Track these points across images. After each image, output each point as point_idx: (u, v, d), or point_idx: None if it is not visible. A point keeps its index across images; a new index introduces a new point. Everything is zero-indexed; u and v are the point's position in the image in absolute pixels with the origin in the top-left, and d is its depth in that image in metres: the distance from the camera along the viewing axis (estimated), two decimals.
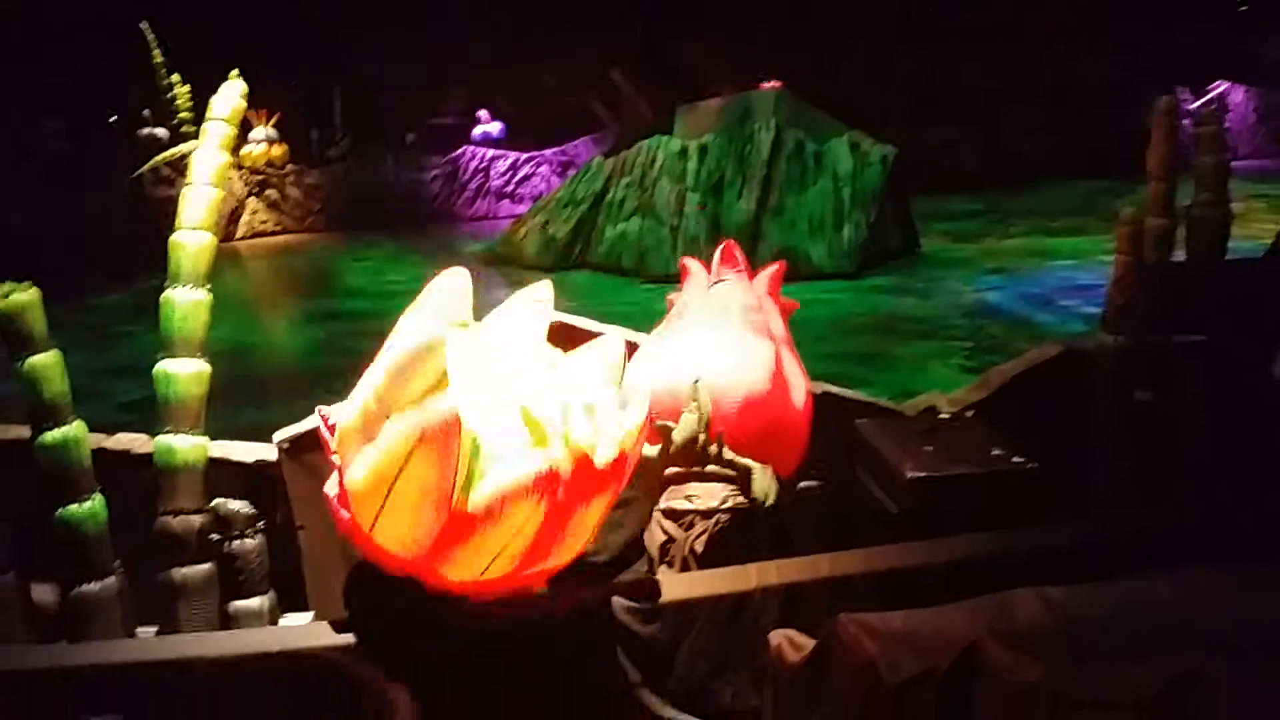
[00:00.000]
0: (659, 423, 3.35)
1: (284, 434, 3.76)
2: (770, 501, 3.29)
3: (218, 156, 3.61)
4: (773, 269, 3.81)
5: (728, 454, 3.34)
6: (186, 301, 3.54)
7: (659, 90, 19.38)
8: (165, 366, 3.46)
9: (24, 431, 3.26)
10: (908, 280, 11.83)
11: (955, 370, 8.26)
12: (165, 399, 3.44)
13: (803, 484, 3.66)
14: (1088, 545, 3.22)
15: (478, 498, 2.56)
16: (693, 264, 3.80)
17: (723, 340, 3.48)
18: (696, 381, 3.33)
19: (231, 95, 3.70)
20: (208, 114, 3.70)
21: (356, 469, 2.65)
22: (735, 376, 3.41)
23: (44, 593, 3.34)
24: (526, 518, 2.60)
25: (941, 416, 4.02)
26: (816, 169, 12.61)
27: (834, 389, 4.12)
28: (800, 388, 3.59)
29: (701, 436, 3.33)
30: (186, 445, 3.41)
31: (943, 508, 3.34)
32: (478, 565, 2.70)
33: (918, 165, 14.24)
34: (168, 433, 3.42)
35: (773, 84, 14.77)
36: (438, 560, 2.68)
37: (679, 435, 3.35)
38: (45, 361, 3.11)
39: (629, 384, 2.97)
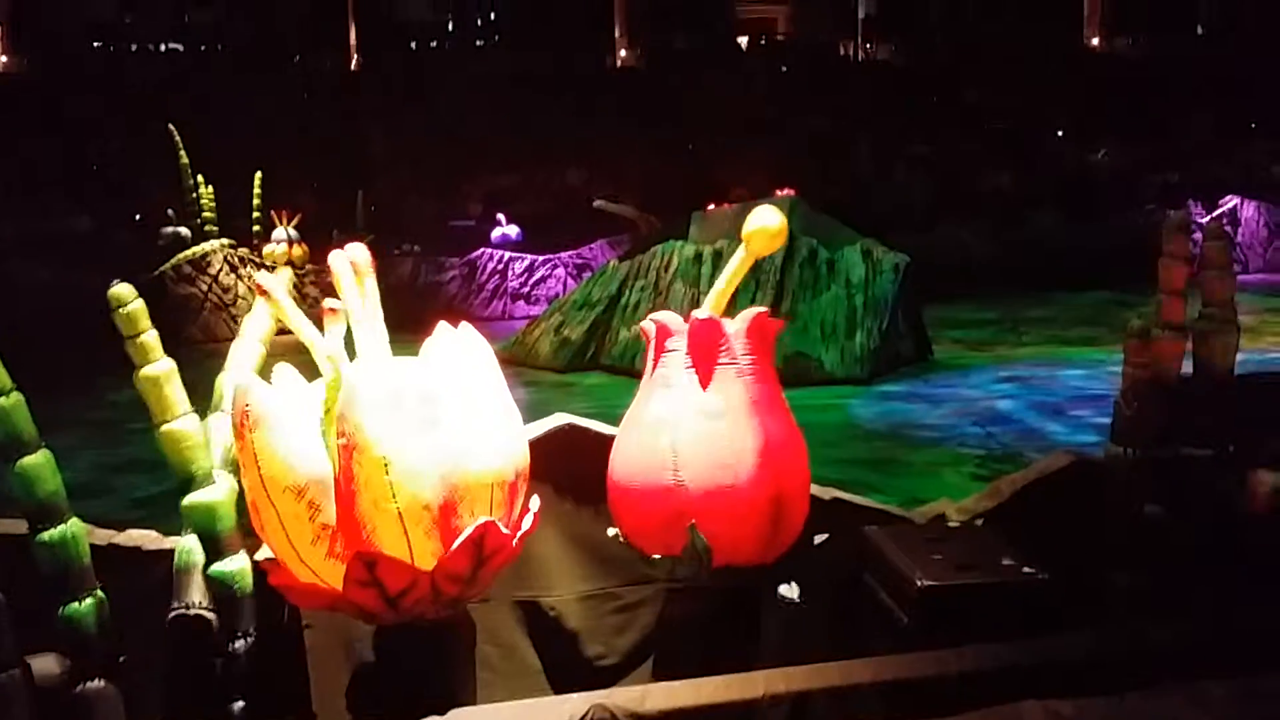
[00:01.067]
0: (657, 557, 3.38)
1: None
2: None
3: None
4: (754, 312, 3.57)
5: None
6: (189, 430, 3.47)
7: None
8: (188, 501, 3.45)
9: (24, 525, 3.27)
10: (919, 387, 11.84)
11: (966, 478, 8.23)
12: (198, 529, 3.43)
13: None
14: (1098, 658, 3.18)
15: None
16: (672, 320, 3.57)
17: (701, 426, 3.38)
18: (692, 525, 3.32)
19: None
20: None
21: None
22: (713, 469, 3.35)
23: (48, 664, 3.31)
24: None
25: (951, 525, 4.01)
26: (829, 276, 12.71)
27: (843, 495, 4.12)
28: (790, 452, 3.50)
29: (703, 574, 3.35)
30: (228, 569, 3.41)
31: (953, 617, 3.32)
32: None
33: (930, 272, 14.34)
34: (213, 561, 3.42)
35: (786, 191, 14.99)
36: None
37: (681, 573, 3.38)
38: (36, 462, 3.11)
39: None
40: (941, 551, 3.53)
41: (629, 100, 28.14)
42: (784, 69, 30.40)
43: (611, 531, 3.63)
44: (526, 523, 3.25)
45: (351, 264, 3.21)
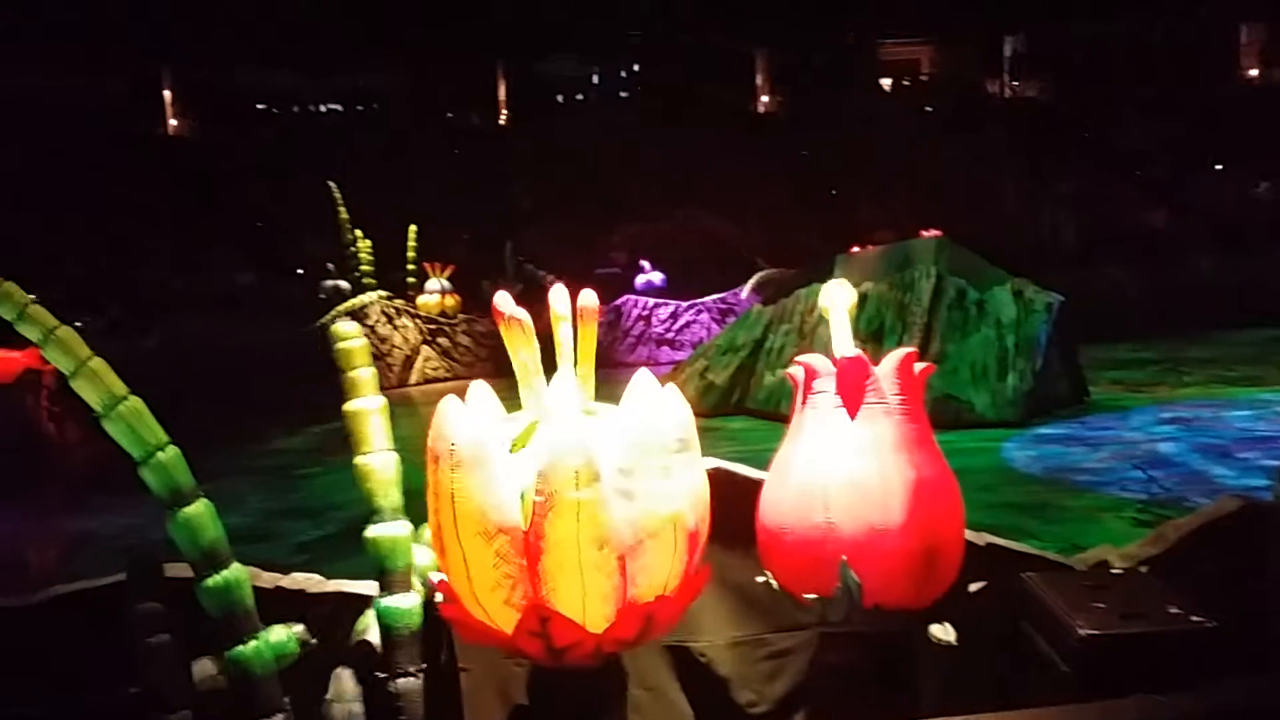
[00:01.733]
0: (809, 596, 3.37)
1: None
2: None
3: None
4: (902, 353, 3.52)
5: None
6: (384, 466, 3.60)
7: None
8: (372, 532, 3.57)
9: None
10: (1076, 430, 11.50)
11: (1127, 524, 7.94)
12: (377, 561, 3.55)
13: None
14: (1268, 707, 3.04)
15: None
16: (819, 363, 3.56)
17: (852, 465, 3.37)
18: (844, 562, 3.30)
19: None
20: None
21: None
22: (864, 509, 3.32)
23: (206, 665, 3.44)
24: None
25: (1114, 572, 3.89)
26: (979, 316, 12.48)
27: (999, 540, 4.03)
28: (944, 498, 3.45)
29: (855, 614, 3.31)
30: (398, 605, 3.53)
31: (1116, 667, 3.21)
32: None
33: (1084, 311, 13.96)
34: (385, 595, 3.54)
35: (932, 232, 14.80)
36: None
37: (832, 616, 3.35)
38: (196, 512, 3.25)
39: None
40: (1103, 599, 3.42)
41: (771, 145, 28.21)
42: (928, 109, 30.09)
43: (760, 577, 3.62)
44: (697, 584, 3.26)
45: (577, 309, 3.25)
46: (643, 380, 3.21)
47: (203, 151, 26.77)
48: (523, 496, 3.02)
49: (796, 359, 3.59)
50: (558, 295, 3.26)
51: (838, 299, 3.58)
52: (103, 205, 22.23)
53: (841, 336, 3.54)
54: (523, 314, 3.23)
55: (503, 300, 3.24)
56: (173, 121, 28.51)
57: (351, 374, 3.54)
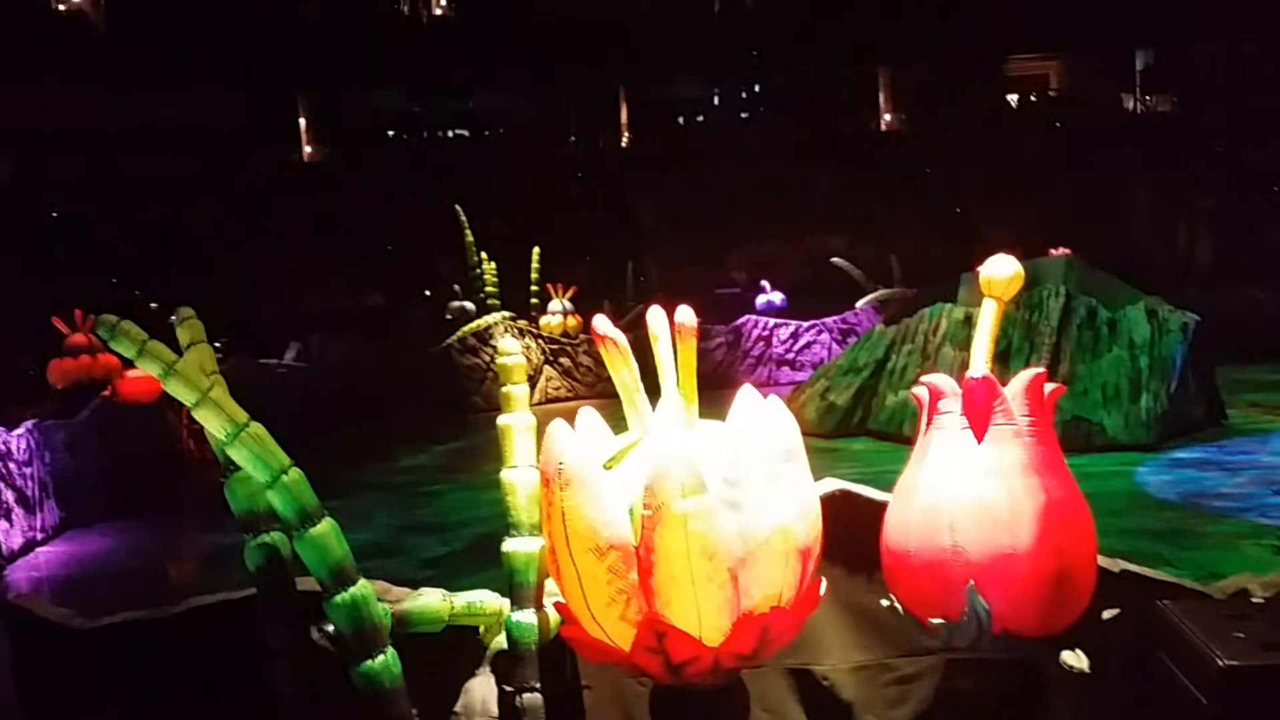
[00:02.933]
0: (935, 620, 3.31)
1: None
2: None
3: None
4: (1030, 374, 3.46)
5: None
6: (527, 482, 3.57)
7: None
8: (508, 546, 3.58)
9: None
10: (1213, 453, 11.11)
11: (1268, 551, 7.64)
12: (509, 575, 3.57)
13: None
14: None
15: None
16: (944, 383, 3.52)
17: (979, 487, 3.32)
18: (971, 586, 3.24)
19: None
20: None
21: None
22: (991, 532, 3.26)
23: None
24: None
25: (1255, 601, 3.74)
26: (1110, 336, 12.13)
27: (1133, 567, 3.91)
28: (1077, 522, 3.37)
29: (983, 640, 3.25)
30: (528, 621, 3.55)
31: (1259, 700, 3.09)
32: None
33: (1222, 332, 13.48)
34: (515, 610, 3.57)
35: (1061, 251, 14.45)
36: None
37: (959, 641, 3.29)
38: (322, 531, 3.31)
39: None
40: (1244, 629, 3.30)
41: (894, 163, 27.92)
42: (1056, 125, 29.43)
43: (885, 601, 3.58)
44: (812, 598, 3.25)
45: (675, 326, 3.25)
46: (747, 394, 3.23)
47: (335, 177, 27.55)
48: (631, 512, 3.05)
49: (921, 379, 3.56)
50: (654, 314, 3.29)
51: (988, 307, 3.49)
52: (239, 229, 23.05)
53: (980, 350, 3.48)
54: (619, 334, 3.26)
55: (600, 322, 3.28)
56: (307, 148, 29.43)
57: (507, 389, 3.60)
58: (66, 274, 18.79)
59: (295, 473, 3.30)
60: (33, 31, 24.90)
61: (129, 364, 12.99)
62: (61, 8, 26.82)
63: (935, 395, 3.47)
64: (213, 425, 3.22)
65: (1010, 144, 26.90)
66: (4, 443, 9.99)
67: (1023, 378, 3.44)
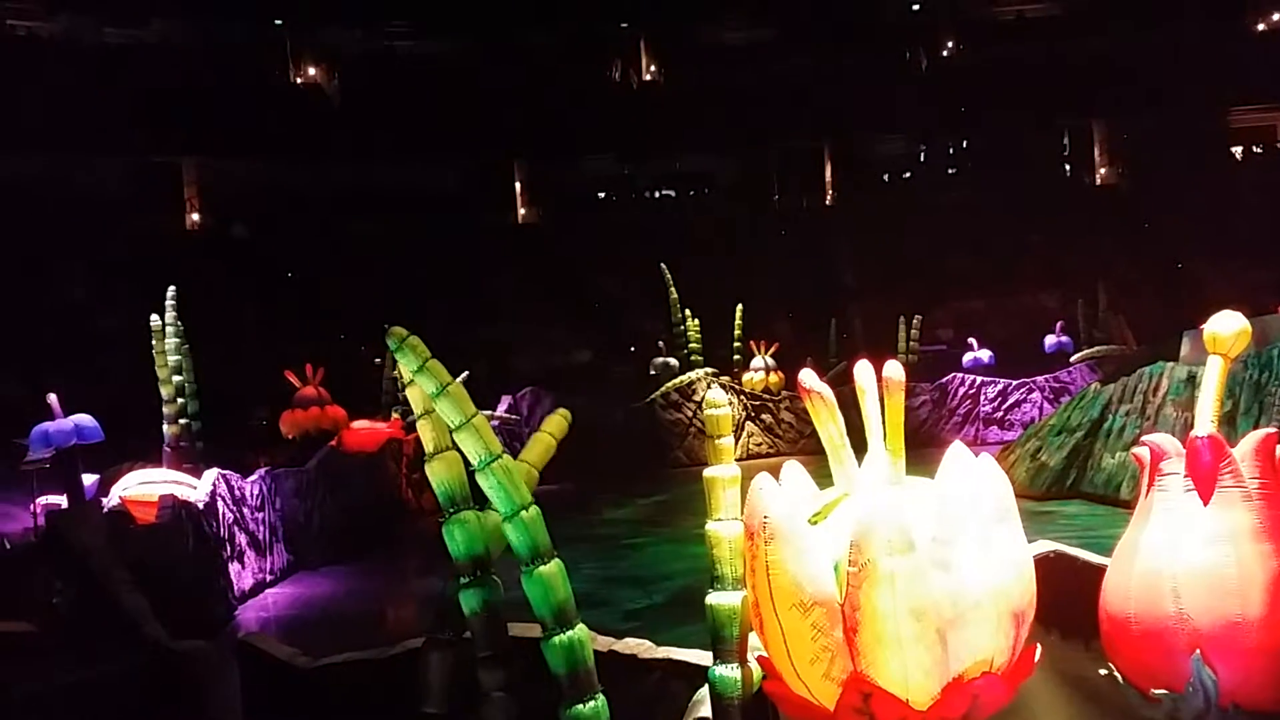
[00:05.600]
0: (1158, 691, 3.18)
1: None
2: None
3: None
4: (1261, 434, 3.31)
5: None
6: (732, 535, 3.59)
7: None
8: (712, 599, 3.60)
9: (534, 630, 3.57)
10: None
11: None
12: (713, 628, 3.58)
13: None
14: None
15: None
16: (1168, 443, 3.41)
17: (1206, 553, 3.18)
18: (1197, 656, 3.09)
19: None
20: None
21: None
22: (1219, 599, 3.11)
23: None
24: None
25: None
26: None
27: None
28: None
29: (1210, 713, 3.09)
30: (731, 675, 3.56)
31: None
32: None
33: None
34: (718, 664, 3.58)
35: None
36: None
37: (1185, 714, 3.15)
38: (550, 571, 3.43)
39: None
40: None
41: (1108, 218, 26.94)
42: None
43: (1103, 670, 3.45)
44: (1026, 664, 3.16)
45: (883, 380, 3.26)
46: (957, 451, 3.17)
47: (548, 237, 28.43)
48: (837, 568, 3.04)
49: (1143, 439, 3.44)
50: (861, 369, 3.28)
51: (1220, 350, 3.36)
52: (456, 288, 23.99)
53: (1205, 409, 3.35)
54: (825, 389, 3.27)
55: (807, 376, 3.29)
56: (522, 210, 30.48)
57: (715, 441, 3.64)
58: (298, 331, 19.94)
59: (534, 510, 3.44)
60: (271, 103, 26.74)
61: (354, 416, 13.57)
62: (299, 81, 28.70)
63: (1158, 456, 3.35)
64: (469, 450, 3.39)
65: (1235, 197, 25.59)
66: (239, 489, 10.61)
67: (1253, 438, 3.29)
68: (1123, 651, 3.32)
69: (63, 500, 9.67)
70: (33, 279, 19.51)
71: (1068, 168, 32.34)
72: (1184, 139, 28.83)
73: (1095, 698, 3.74)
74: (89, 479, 10.34)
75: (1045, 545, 3.82)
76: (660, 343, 20.19)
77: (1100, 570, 3.47)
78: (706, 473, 3.61)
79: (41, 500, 9.75)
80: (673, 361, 19.35)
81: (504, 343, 22.80)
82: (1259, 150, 31.36)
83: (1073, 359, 19.01)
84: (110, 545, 7.40)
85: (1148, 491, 3.36)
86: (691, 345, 19.18)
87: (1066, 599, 3.64)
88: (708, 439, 3.67)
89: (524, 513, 3.43)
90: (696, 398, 17.58)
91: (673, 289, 19.25)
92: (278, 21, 28.29)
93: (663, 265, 19.41)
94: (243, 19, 27.42)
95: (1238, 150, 31.28)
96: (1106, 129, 31.18)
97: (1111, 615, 3.33)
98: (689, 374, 18.35)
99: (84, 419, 10.46)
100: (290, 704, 4.97)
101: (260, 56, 28.16)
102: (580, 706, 3.44)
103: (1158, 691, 3.23)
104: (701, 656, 3.83)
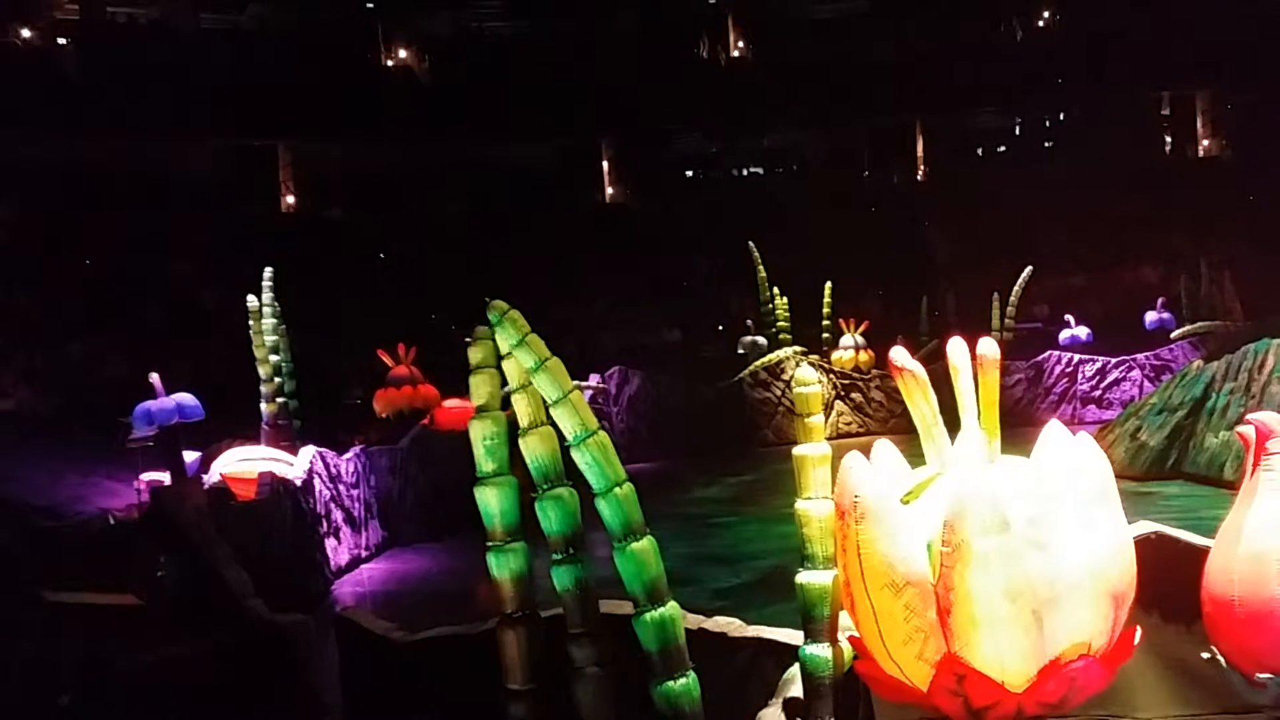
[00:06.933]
0: (1262, 676, 3.12)
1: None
2: None
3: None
4: None
5: None
6: (822, 513, 3.57)
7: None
8: (803, 578, 3.60)
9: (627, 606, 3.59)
10: None
11: None
12: (803, 607, 3.59)
13: None
14: None
15: None
16: (1276, 421, 3.30)
17: None
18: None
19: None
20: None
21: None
22: None
23: None
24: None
25: None
26: None
27: None
28: None
29: None
30: (822, 654, 3.55)
31: None
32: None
33: None
34: (809, 643, 3.58)
35: None
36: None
37: None
38: (643, 547, 3.45)
39: None
40: None
41: (1212, 190, 26.12)
42: None
43: (1206, 653, 3.37)
44: (1125, 647, 3.10)
45: (976, 357, 3.23)
46: (1054, 430, 3.11)
47: (636, 216, 28.42)
48: (930, 548, 3.00)
49: (1248, 418, 3.34)
50: (955, 346, 3.23)
51: None
52: (546, 267, 24.11)
53: None
54: (917, 366, 3.22)
55: (898, 353, 3.25)
56: (609, 190, 30.49)
57: (805, 420, 3.62)
58: (392, 311, 20.22)
59: (628, 487, 3.46)
60: (363, 86, 27.08)
61: (446, 394, 13.75)
62: (390, 64, 29.02)
63: (1264, 435, 3.26)
64: (566, 425, 3.42)
65: None
66: (335, 466, 10.83)
67: None
68: (1226, 635, 3.24)
69: (165, 477, 9.95)
70: (135, 262, 20.03)
71: (1169, 139, 31.39)
72: None
73: (1197, 682, 3.67)
74: (190, 456, 10.64)
75: (1146, 526, 3.74)
76: (749, 321, 20.11)
77: (1203, 552, 3.39)
78: (796, 451, 3.59)
79: (145, 477, 10.04)
80: (761, 340, 19.27)
81: (593, 322, 22.88)
82: None
83: (1174, 335, 18.54)
84: (212, 521, 7.59)
85: (1253, 471, 3.27)
86: (780, 324, 19.06)
87: (1168, 581, 3.57)
88: (797, 417, 3.64)
89: (618, 489, 3.46)
90: (785, 376, 17.48)
91: (761, 267, 19.15)
92: (369, 5, 28.63)
93: (751, 244, 19.30)
94: (335, 3, 27.80)
95: None
96: (1210, 99, 30.22)
97: (1215, 597, 3.25)
98: (777, 352, 18.25)
99: (185, 398, 10.76)
100: (386, 677, 5.07)
101: (352, 40, 28.50)
102: (671, 683, 3.46)
103: (1262, 676, 3.15)
104: (792, 635, 3.83)
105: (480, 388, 3.69)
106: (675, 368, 18.80)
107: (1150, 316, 20.02)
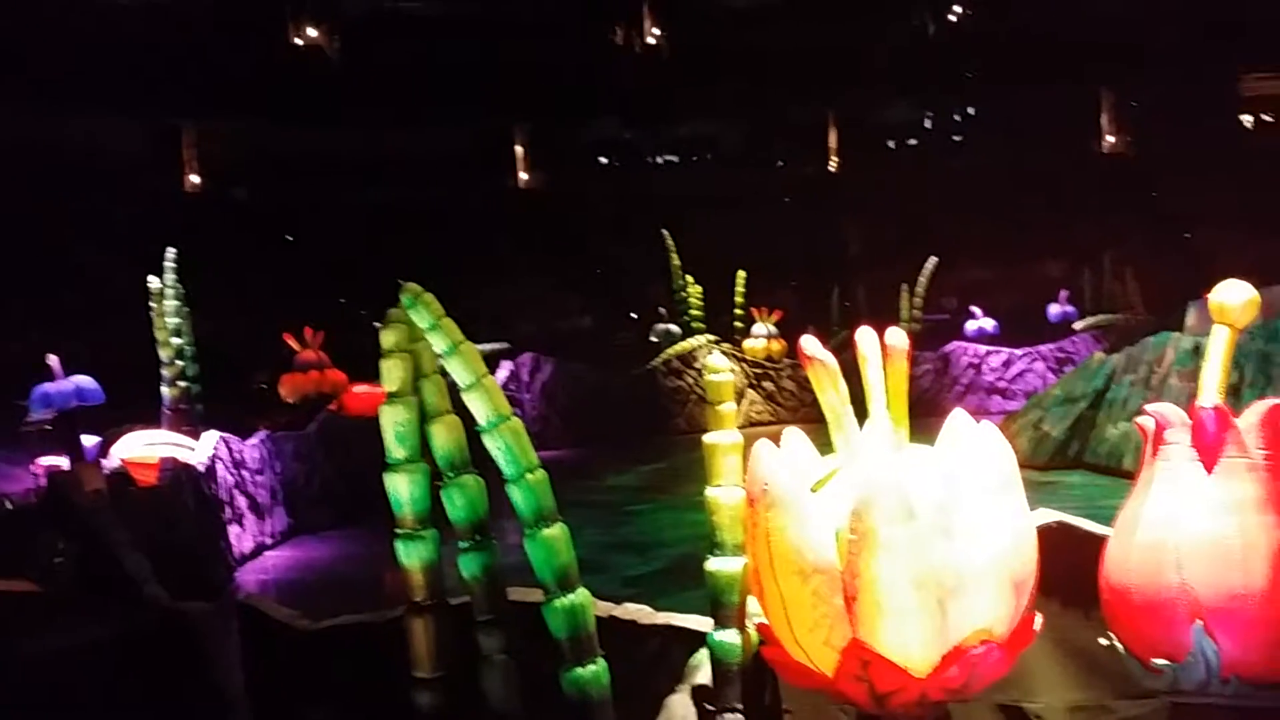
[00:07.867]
0: (1158, 662, 3.19)
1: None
2: None
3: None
4: (1268, 404, 3.26)
5: None
6: (732, 501, 3.56)
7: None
8: (712, 565, 3.58)
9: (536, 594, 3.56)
10: None
11: None
12: (713, 594, 3.58)
13: None
14: None
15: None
16: (1172, 413, 3.37)
17: (1209, 523, 3.15)
18: (1199, 626, 3.08)
19: None
20: None
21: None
22: (1221, 570, 3.09)
23: None
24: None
25: None
26: None
27: None
28: None
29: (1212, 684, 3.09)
30: (730, 640, 3.56)
31: None
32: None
33: None
34: (718, 630, 3.58)
35: None
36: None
37: (1186, 684, 3.15)
38: (555, 534, 3.41)
39: None
40: None
41: (1115, 188, 26.79)
42: None
43: (1104, 640, 3.44)
44: (1026, 633, 3.15)
45: (884, 347, 3.23)
46: (958, 419, 3.15)
47: (549, 202, 28.33)
48: (837, 535, 3.02)
49: (1147, 408, 3.41)
50: (864, 335, 3.25)
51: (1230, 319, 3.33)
52: (458, 253, 23.93)
53: (1211, 379, 3.33)
54: (827, 356, 3.23)
55: (808, 342, 3.25)
56: (523, 175, 30.36)
57: (716, 407, 3.62)
58: (299, 294, 19.90)
59: (541, 473, 3.43)
60: (271, 65, 26.54)
61: (355, 379, 13.59)
62: (299, 42, 28.48)
63: (1161, 426, 3.32)
64: (478, 411, 3.36)
65: (1244, 166, 25.44)
66: (239, 452, 10.63)
67: (1258, 408, 3.26)
68: (1124, 622, 3.31)
69: (64, 461, 9.68)
70: (31, 240, 19.43)
71: (1074, 136, 32.09)
72: (1193, 106, 28.61)
73: (1096, 667, 3.74)
74: (90, 440, 10.35)
75: (1047, 515, 3.79)
76: (661, 309, 20.16)
77: (1102, 540, 3.45)
78: (707, 438, 3.58)
79: (42, 461, 9.76)
80: (674, 328, 19.31)
81: (504, 308, 22.75)
82: (1269, 118, 31.14)
83: (1076, 327, 18.97)
84: (111, 506, 7.40)
85: (1151, 461, 3.33)
86: (693, 312, 19.12)
87: (1068, 569, 3.63)
88: (709, 405, 3.63)
89: (530, 475, 3.41)
90: (697, 365, 17.54)
91: (674, 255, 19.17)
92: None
93: (664, 231, 19.33)
94: None
95: (1248, 119, 31.07)
96: (1114, 97, 30.95)
97: (1113, 585, 3.32)
98: (690, 341, 18.31)
99: (84, 380, 10.45)
100: (290, 666, 4.98)
101: (260, 17, 27.92)
102: (580, 670, 3.44)
103: (1158, 662, 3.22)
104: (701, 622, 3.83)
105: (392, 372, 3.62)
106: (588, 355, 18.78)
107: (1054, 309, 20.46)
